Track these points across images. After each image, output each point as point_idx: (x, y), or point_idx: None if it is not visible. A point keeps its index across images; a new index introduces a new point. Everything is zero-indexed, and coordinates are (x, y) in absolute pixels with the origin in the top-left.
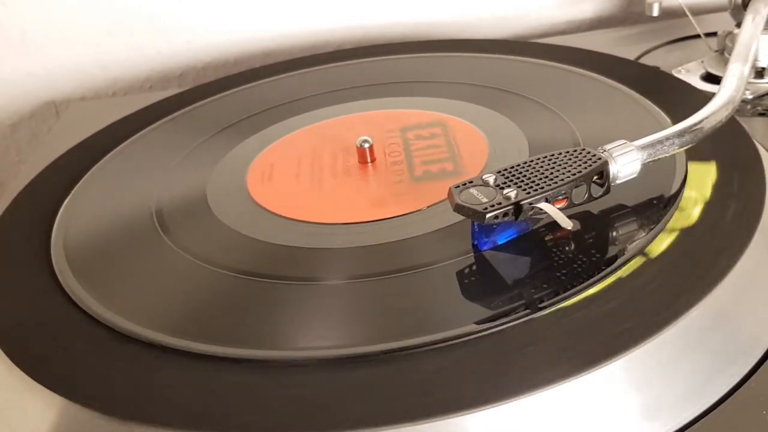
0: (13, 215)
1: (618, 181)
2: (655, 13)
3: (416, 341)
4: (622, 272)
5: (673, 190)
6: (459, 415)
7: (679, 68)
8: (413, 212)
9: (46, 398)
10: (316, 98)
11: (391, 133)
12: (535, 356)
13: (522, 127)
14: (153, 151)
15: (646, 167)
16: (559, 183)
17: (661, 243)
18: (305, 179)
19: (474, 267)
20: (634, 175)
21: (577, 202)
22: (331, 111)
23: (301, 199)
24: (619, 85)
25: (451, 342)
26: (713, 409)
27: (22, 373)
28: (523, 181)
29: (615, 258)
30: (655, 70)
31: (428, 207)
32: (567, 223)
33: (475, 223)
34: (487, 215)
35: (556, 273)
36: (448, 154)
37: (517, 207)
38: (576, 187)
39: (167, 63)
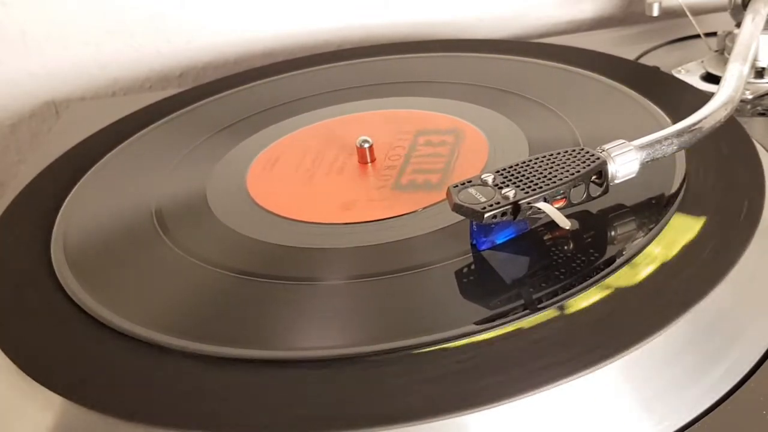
0: (13, 215)
1: (617, 181)
2: (655, 13)
3: (415, 341)
4: (621, 272)
5: (672, 190)
6: (459, 415)
7: (679, 68)
8: (412, 212)
9: (46, 398)
10: (316, 98)
11: (404, 135)
12: (534, 356)
13: (522, 127)
14: (153, 151)
15: (645, 167)
16: (558, 183)
17: (660, 243)
18: (306, 179)
19: (473, 267)
20: (633, 175)
21: (575, 202)
22: (331, 111)
23: (301, 198)
24: (619, 85)
25: (450, 342)
26: (713, 409)
27: (22, 373)
28: (521, 180)
29: (614, 258)
30: (655, 70)
31: (427, 207)
32: (565, 223)
33: (474, 223)
34: (486, 215)
35: (555, 272)
36: (442, 166)
37: (516, 206)
38: (574, 186)
39: (167, 63)
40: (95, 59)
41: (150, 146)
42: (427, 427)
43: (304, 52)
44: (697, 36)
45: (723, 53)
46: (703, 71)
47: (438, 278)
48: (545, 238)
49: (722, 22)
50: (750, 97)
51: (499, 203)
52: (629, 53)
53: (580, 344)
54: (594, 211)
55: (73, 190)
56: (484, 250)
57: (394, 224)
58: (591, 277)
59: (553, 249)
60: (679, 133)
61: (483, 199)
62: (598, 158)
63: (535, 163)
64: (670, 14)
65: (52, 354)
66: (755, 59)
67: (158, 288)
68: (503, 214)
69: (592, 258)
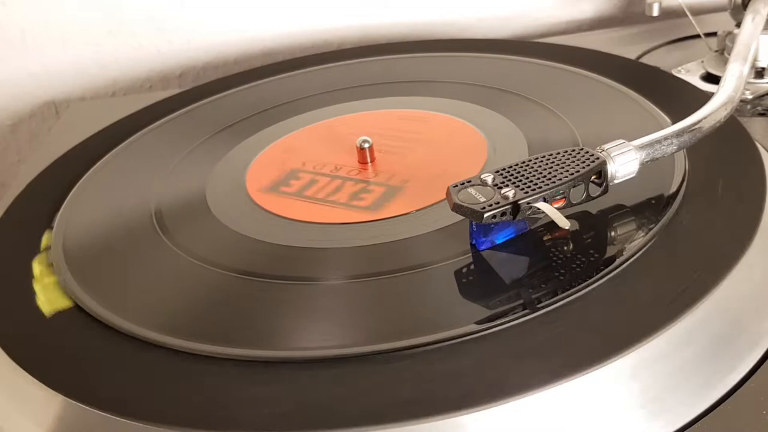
0: (13, 215)
1: (616, 181)
2: (655, 13)
3: (415, 341)
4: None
5: (672, 190)
6: (459, 415)
7: (679, 68)
8: (412, 212)
9: (47, 398)
10: (317, 98)
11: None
12: (534, 356)
13: (521, 127)
14: (153, 151)
15: (645, 167)
16: (557, 182)
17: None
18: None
19: (472, 267)
20: (633, 175)
21: (575, 202)
22: (331, 111)
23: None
24: (619, 85)
25: (450, 342)
26: (713, 409)
27: (22, 372)
28: (521, 180)
29: (613, 258)
30: (655, 70)
31: (427, 207)
32: (565, 223)
33: (474, 223)
34: (485, 215)
35: (555, 273)
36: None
37: (515, 206)
38: (574, 186)
39: (167, 63)
40: (95, 59)
41: (150, 146)
42: (427, 427)
43: (303, 52)
44: (697, 36)
45: (723, 53)
46: (703, 71)
47: (438, 278)
48: (545, 238)
49: (722, 22)
50: (750, 97)
51: (498, 203)
52: (629, 53)
53: (580, 344)
54: (594, 211)
55: (73, 190)
56: (483, 250)
57: (394, 224)
58: (590, 278)
59: (553, 249)
60: (679, 133)
61: (482, 199)
62: (598, 158)
63: (535, 163)
64: (670, 14)
65: (53, 353)
66: (755, 59)
67: (158, 288)
68: (503, 214)
69: (592, 258)
